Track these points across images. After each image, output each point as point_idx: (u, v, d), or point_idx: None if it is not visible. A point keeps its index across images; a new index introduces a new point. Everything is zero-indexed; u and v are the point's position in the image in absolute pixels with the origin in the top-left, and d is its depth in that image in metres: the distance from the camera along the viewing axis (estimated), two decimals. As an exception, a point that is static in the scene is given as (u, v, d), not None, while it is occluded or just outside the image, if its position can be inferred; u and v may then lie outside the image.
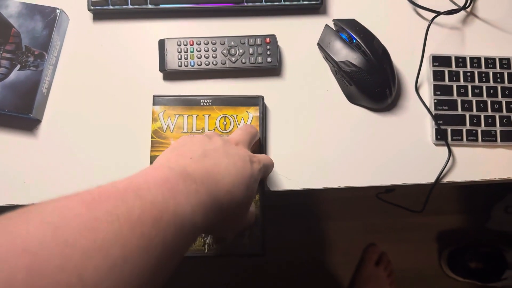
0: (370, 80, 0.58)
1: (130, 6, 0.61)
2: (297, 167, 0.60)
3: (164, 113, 0.57)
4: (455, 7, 0.64)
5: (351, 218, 1.42)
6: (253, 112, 0.58)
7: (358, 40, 0.59)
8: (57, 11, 0.60)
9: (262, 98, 0.59)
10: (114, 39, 0.63)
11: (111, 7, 0.61)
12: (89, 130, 0.60)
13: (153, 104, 0.58)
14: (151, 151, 0.56)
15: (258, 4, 0.62)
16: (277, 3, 0.62)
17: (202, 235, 0.53)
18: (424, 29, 0.63)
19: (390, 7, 0.65)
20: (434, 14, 0.63)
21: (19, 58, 0.58)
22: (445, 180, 0.60)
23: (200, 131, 0.57)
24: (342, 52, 0.59)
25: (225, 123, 0.57)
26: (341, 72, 0.59)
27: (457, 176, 0.60)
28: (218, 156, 0.41)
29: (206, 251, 0.53)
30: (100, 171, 0.59)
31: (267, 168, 0.48)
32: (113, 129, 0.60)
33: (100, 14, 0.63)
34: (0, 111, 0.57)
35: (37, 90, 0.58)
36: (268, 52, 0.61)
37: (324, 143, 0.60)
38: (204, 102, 0.58)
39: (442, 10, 0.63)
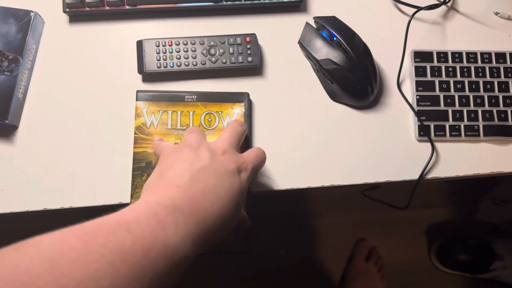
0: (352, 77, 0.58)
1: (106, 8, 0.60)
2: (281, 166, 0.59)
3: (147, 109, 0.56)
4: (435, 2, 0.64)
5: (340, 214, 1.42)
6: (238, 109, 0.57)
7: (339, 38, 0.58)
8: (31, 14, 0.59)
9: (248, 94, 0.58)
10: (91, 41, 0.61)
11: (87, 9, 0.60)
12: (69, 134, 0.59)
13: (137, 99, 0.57)
14: (134, 147, 0.56)
15: (238, 2, 0.61)
16: (256, 1, 0.61)
17: None
18: (405, 25, 0.62)
19: (370, 3, 0.65)
20: (415, 10, 0.62)
21: (-7, 63, 0.57)
22: (429, 176, 0.60)
23: (185, 128, 0.56)
24: (323, 50, 0.58)
25: (210, 119, 0.57)
26: (323, 70, 0.59)
27: (440, 171, 0.60)
28: (206, 178, 0.40)
29: None
30: (82, 175, 0.57)
31: (258, 167, 0.47)
32: (93, 131, 0.59)
33: (76, 16, 0.62)
34: (-26, 118, 0.56)
35: (12, 96, 0.56)
36: (249, 52, 0.60)
37: (307, 142, 0.60)
38: (189, 98, 0.57)
39: (422, 5, 0.63)
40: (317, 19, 0.61)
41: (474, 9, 0.65)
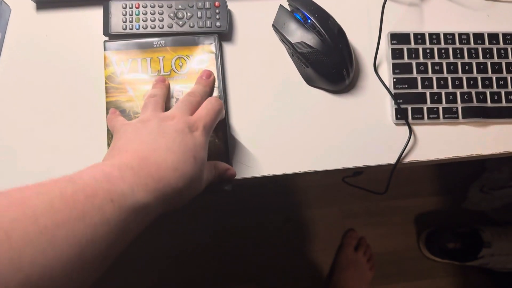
0: (326, 61, 0.56)
1: (74, -7, 0.59)
2: (256, 153, 0.58)
3: (116, 58, 0.57)
4: (412, -17, 0.63)
5: (327, 204, 1.42)
6: (208, 51, 0.58)
7: (313, 20, 0.57)
8: (-4, 1, 0.57)
9: (217, 35, 0.58)
10: (59, 28, 0.60)
11: (54, -6, 0.58)
12: (36, 122, 0.57)
13: (104, 49, 0.57)
14: (106, 97, 0.56)
15: (209, -15, 0.60)
16: (229, -16, 0.60)
17: None
18: (380, 6, 0.61)
19: (346, -14, 0.63)
20: (390, -9, 0.61)
21: (-44, 52, 0.55)
22: (407, 160, 0.59)
23: (156, 74, 0.57)
24: (297, 33, 0.57)
25: (181, 64, 0.57)
26: (297, 54, 0.57)
27: (419, 155, 0.59)
28: (155, 140, 0.41)
29: None
30: (47, 159, 0.56)
31: (212, 122, 0.47)
32: (61, 119, 0.57)
33: (43, 3, 0.60)
34: None
35: (-23, 85, 0.55)
36: (218, 16, 0.59)
37: (283, 127, 0.59)
38: (157, 43, 0.57)
39: (398, -13, 0.62)
40: (291, 1, 0.60)
41: (452, -10, 0.64)
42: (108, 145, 0.55)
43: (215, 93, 0.57)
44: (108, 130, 0.55)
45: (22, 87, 0.58)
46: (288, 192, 1.42)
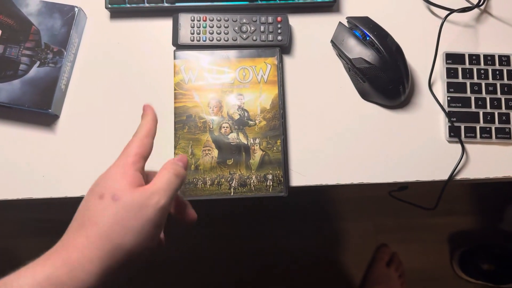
0: (384, 77, 0.58)
1: (146, 5, 0.62)
2: (310, 163, 0.60)
3: (185, 67, 0.61)
4: (468, 4, 0.64)
5: (362, 218, 1.42)
6: (271, 62, 0.61)
7: (372, 37, 0.59)
8: (76, 9, 0.61)
9: (279, 49, 0.62)
10: (130, 37, 0.64)
11: (128, 5, 0.62)
12: (106, 124, 0.61)
13: (174, 58, 0.61)
14: (175, 102, 0.60)
15: (272, 2, 0.63)
16: (291, 1, 0.63)
17: (227, 179, 0.58)
18: (437, 27, 0.63)
19: (403, 5, 0.65)
20: (448, 12, 0.63)
21: (38, 55, 0.60)
22: (459, 177, 0.60)
23: (221, 82, 0.61)
24: (356, 49, 0.60)
25: (244, 74, 0.61)
26: (355, 69, 0.60)
27: (470, 173, 0.60)
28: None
29: (232, 194, 0.58)
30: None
31: (170, 198, 0.40)
32: (131, 123, 0.61)
33: (117, 12, 0.64)
34: (20, 107, 0.58)
35: (55, 86, 0.59)
36: (279, 31, 0.62)
37: (337, 139, 0.61)
38: (224, 55, 0.62)
39: (455, 8, 0.63)
40: (350, 19, 0.62)
41: (508, 13, 0.65)
42: (175, 147, 0.58)
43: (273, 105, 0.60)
44: (175, 133, 0.58)
45: (94, 90, 0.62)
46: (322, 202, 1.43)
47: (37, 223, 1.37)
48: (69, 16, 0.61)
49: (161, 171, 0.42)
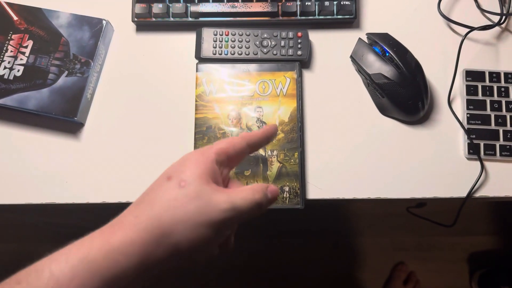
0: (403, 92, 0.59)
1: (171, 19, 0.65)
2: (327, 176, 0.61)
3: (207, 79, 0.63)
4: (489, 22, 0.65)
5: (379, 235, 1.41)
6: (290, 76, 0.63)
7: (391, 53, 0.60)
8: (103, 22, 0.64)
9: (299, 63, 0.63)
10: (155, 49, 0.66)
11: (154, 19, 0.65)
12: (130, 133, 0.63)
13: (197, 71, 0.63)
14: (195, 113, 0.62)
15: (294, 18, 0.64)
16: (311, 17, 0.64)
17: None
18: (457, 44, 0.63)
19: (422, 22, 0.66)
20: (468, 30, 0.63)
21: (67, 65, 0.62)
22: (477, 194, 0.60)
23: (241, 94, 0.62)
24: (375, 65, 0.60)
25: (264, 87, 0.62)
26: (374, 84, 0.60)
27: (489, 191, 0.60)
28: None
29: None
30: (139, 170, 0.61)
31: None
32: (153, 132, 0.63)
33: (143, 25, 0.67)
34: (47, 114, 0.61)
35: (82, 96, 0.61)
36: (299, 46, 0.63)
37: (355, 153, 0.61)
38: (244, 68, 0.63)
39: (476, 26, 0.63)
40: (370, 35, 0.63)
41: (529, 31, 0.65)
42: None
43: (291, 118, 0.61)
44: (195, 143, 0.60)
45: (119, 100, 0.64)
46: (339, 217, 1.43)
47: (58, 228, 1.40)
48: (97, 28, 0.64)
49: (247, 189, 0.36)
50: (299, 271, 1.38)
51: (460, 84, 0.63)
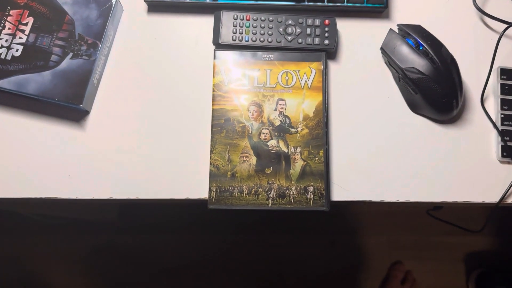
0: (438, 89, 0.55)
1: (188, 0, 0.59)
2: (353, 176, 0.57)
3: (225, 68, 0.57)
4: (526, 18, 0.61)
5: (375, 233, 1.38)
6: (315, 67, 0.58)
7: (426, 47, 0.56)
8: (113, 0, 0.58)
9: (325, 53, 0.58)
10: (168, 32, 0.60)
11: (169, 0, 0.59)
12: (139, 123, 0.57)
13: (214, 58, 0.58)
14: (212, 104, 0.57)
15: (320, 4, 0.59)
16: (339, 4, 0.59)
17: (265, 189, 0.54)
18: (491, 39, 0.60)
19: (456, 15, 0.62)
20: (506, 26, 0.59)
21: (71, 46, 0.56)
22: (510, 200, 0.57)
23: (262, 85, 0.57)
24: (408, 58, 0.56)
25: (287, 78, 0.58)
26: (406, 79, 0.56)
27: (523, 196, 0.57)
28: None
29: (270, 205, 0.54)
30: (149, 164, 0.56)
31: None
32: (165, 124, 0.58)
33: (155, 6, 0.61)
34: (49, 100, 0.55)
35: (88, 81, 0.55)
36: (326, 34, 0.59)
37: (382, 152, 0.57)
38: (266, 57, 0.58)
39: (513, 21, 0.60)
40: (401, 26, 0.59)
41: None
42: (211, 151, 0.55)
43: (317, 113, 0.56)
44: (212, 137, 0.55)
45: (127, 86, 0.59)
46: (336, 215, 1.39)
47: (50, 220, 1.33)
48: (106, 7, 0.58)
49: None
50: (295, 270, 1.35)
51: (494, 82, 0.60)
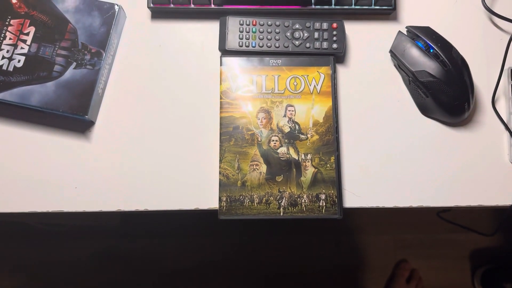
0: (449, 92, 0.54)
1: (192, 6, 0.58)
2: (364, 182, 0.56)
3: (232, 74, 0.56)
4: (535, 17, 0.60)
5: (380, 232, 1.38)
6: (324, 72, 0.57)
7: (436, 49, 0.55)
8: (116, 7, 0.57)
9: (333, 58, 0.57)
10: (172, 39, 0.59)
11: (172, 6, 0.58)
12: (145, 133, 0.56)
13: (221, 64, 0.57)
14: (220, 112, 0.56)
15: (327, 7, 0.58)
16: (347, 7, 0.58)
17: (276, 198, 0.53)
18: (502, 40, 0.59)
19: (465, 16, 0.61)
20: (516, 25, 0.59)
21: (75, 55, 0.55)
22: (524, 203, 0.56)
23: (270, 91, 0.56)
24: (419, 61, 0.55)
25: (295, 83, 0.57)
26: (417, 82, 0.55)
27: (536, 199, 0.56)
28: None
29: (281, 214, 0.53)
30: (156, 174, 0.55)
31: None
32: (173, 133, 0.56)
33: (159, 12, 0.60)
34: (53, 111, 0.54)
35: (93, 90, 0.54)
36: (334, 38, 0.57)
37: (394, 157, 0.56)
38: (273, 62, 0.57)
39: (523, 21, 0.59)
40: (410, 28, 0.58)
41: None
42: (220, 160, 0.54)
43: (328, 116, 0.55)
44: (220, 145, 0.54)
45: (133, 95, 0.57)
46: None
47: (49, 227, 1.32)
48: (109, 14, 0.56)
49: None
50: (301, 269, 1.34)
51: (505, 84, 0.59)
